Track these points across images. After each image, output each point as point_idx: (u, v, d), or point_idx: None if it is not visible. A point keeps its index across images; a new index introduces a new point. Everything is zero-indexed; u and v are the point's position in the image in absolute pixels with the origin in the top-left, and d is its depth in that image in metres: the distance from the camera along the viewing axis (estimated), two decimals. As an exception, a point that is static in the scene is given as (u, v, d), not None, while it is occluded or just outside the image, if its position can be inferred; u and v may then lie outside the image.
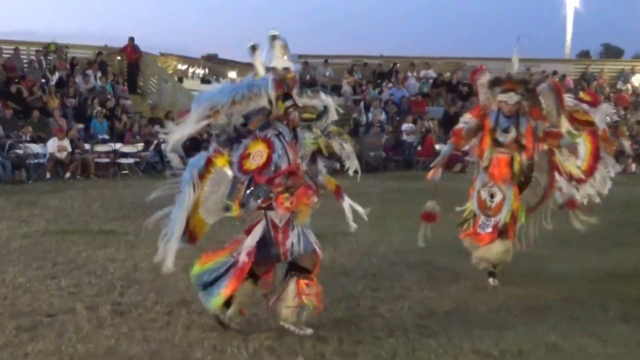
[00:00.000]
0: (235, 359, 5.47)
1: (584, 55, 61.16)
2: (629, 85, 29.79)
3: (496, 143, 7.72)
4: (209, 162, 6.01)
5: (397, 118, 24.90)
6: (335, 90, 26.42)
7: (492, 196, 7.82)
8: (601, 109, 8.64)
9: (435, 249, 8.77)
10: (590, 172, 8.20)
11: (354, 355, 5.55)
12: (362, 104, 25.26)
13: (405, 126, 23.59)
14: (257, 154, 5.71)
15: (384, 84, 27.20)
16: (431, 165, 8.26)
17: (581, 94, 10.12)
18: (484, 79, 7.85)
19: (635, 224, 11.83)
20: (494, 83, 7.88)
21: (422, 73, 27.67)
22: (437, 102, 26.25)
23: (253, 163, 5.70)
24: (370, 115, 24.19)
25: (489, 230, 7.71)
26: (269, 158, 5.67)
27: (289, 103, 5.80)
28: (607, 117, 8.91)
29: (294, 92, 5.94)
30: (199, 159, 6.11)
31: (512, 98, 7.69)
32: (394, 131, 23.91)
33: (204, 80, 32.72)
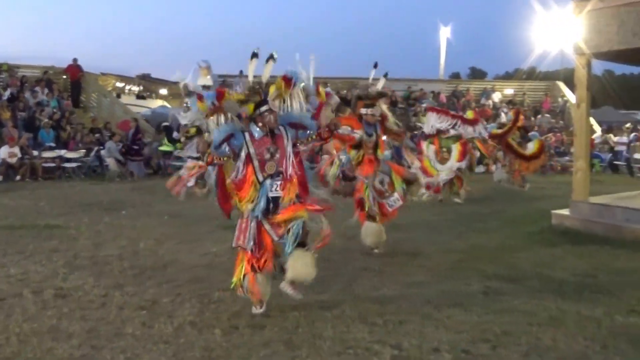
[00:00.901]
0: (162, 333, 5.38)
1: (455, 76, 62.48)
2: (490, 101, 30.57)
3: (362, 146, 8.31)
4: None
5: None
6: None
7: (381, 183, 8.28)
8: (478, 126, 9.23)
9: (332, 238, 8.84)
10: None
11: (263, 327, 5.52)
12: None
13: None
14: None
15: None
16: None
17: (469, 113, 10.56)
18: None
19: (492, 214, 12.13)
20: (359, 99, 8.32)
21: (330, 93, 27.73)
22: (335, 116, 26.45)
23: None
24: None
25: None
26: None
27: (264, 108, 5.73)
28: (481, 132, 9.47)
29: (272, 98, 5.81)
30: None
31: (374, 111, 8.25)
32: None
33: (139, 96, 32.03)
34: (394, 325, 5.59)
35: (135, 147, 19.80)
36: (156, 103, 31.60)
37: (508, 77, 51.56)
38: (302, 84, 5.89)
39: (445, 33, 38.95)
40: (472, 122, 13.11)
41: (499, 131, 14.84)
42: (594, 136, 24.43)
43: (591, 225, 10.07)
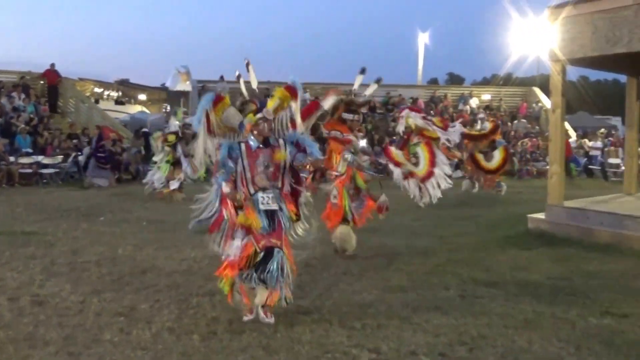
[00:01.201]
0: (140, 339, 5.34)
1: (433, 82, 62.95)
2: (467, 107, 30.75)
3: None
4: None
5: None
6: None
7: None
8: (447, 132, 9.28)
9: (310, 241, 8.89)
10: (429, 175, 8.71)
11: (241, 332, 5.51)
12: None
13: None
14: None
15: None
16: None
17: (435, 120, 10.59)
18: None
19: (470, 218, 12.22)
20: (346, 104, 8.49)
21: (304, 96, 27.78)
22: (314, 120, 26.48)
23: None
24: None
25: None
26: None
27: (258, 116, 5.65)
28: (451, 138, 9.55)
29: (269, 107, 5.73)
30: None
31: (358, 117, 8.48)
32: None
33: (118, 102, 31.92)
34: (372, 329, 5.61)
35: (100, 154, 18.93)
36: (135, 108, 31.54)
37: (485, 82, 52.02)
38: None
39: (423, 39, 39.22)
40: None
41: (475, 132, 14.94)
42: (569, 141, 24.69)
43: (566, 229, 10.18)
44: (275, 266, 5.55)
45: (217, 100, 5.79)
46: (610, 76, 59.26)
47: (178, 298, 6.54)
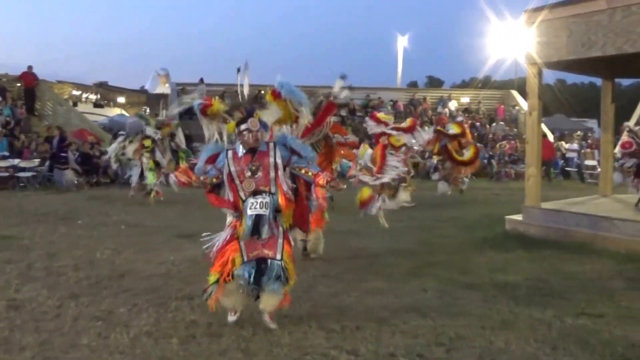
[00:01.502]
0: (118, 343, 5.30)
1: (412, 84, 63.16)
2: (446, 109, 30.94)
3: None
4: None
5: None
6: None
7: None
8: (415, 134, 9.46)
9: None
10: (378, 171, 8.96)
11: (220, 335, 5.49)
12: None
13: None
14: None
15: (251, 107, 27.22)
16: None
17: (407, 121, 10.68)
18: None
19: (449, 220, 12.30)
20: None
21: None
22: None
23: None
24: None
25: None
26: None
27: (243, 127, 5.54)
28: (418, 140, 9.74)
29: (256, 117, 5.66)
30: None
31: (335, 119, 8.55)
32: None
33: (96, 105, 31.74)
34: (350, 331, 5.61)
35: (63, 154, 18.98)
36: (114, 111, 31.33)
37: (464, 85, 52.34)
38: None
39: (402, 42, 39.46)
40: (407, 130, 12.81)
41: (445, 131, 14.83)
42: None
43: (543, 230, 10.28)
44: (274, 275, 5.55)
45: (205, 108, 5.90)
46: (586, 79, 59.71)
47: (156, 302, 6.49)
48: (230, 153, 5.66)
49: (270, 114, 6.07)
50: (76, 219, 12.11)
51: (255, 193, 5.56)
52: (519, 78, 32.88)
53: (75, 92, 30.61)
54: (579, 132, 28.47)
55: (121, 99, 33.15)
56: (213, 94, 28.36)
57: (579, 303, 6.49)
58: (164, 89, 26.32)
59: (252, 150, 5.60)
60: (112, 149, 15.28)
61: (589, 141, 26.80)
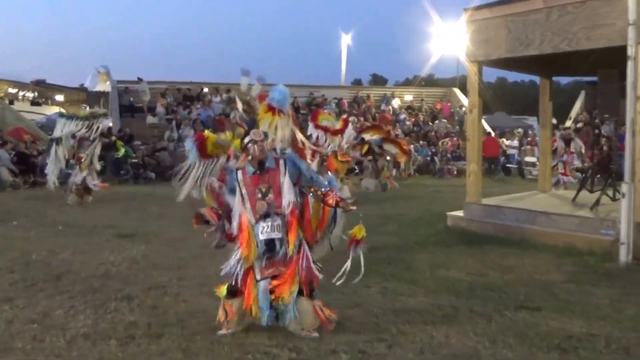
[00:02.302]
0: (54, 347, 5.19)
1: (357, 82, 63.52)
2: (390, 107, 31.19)
3: None
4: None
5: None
6: (151, 111, 26.25)
7: None
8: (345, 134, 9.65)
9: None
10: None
11: (160, 336, 5.43)
12: (174, 122, 24.98)
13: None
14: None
15: (192, 105, 27.12)
16: None
17: (337, 125, 10.78)
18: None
19: (391, 217, 12.35)
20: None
21: (225, 96, 27.67)
22: (238, 121, 26.43)
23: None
24: (180, 131, 23.99)
25: None
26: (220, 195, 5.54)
27: (246, 140, 5.31)
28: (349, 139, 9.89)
29: (261, 127, 5.47)
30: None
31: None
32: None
33: (34, 103, 31.06)
34: (294, 328, 5.63)
35: (30, 155, 18.92)
36: (52, 110, 30.72)
37: (407, 83, 52.83)
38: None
39: (346, 40, 39.62)
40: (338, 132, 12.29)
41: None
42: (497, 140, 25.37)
43: (484, 226, 10.46)
44: (292, 314, 5.39)
45: (201, 143, 5.77)
46: (526, 77, 61.14)
47: (94, 303, 6.39)
48: (239, 174, 5.39)
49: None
50: (12, 220, 11.79)
51: (266, 216, 5.32)
52: (462, 76, 33.40)
53: (12, 90, 29.97)
54: (519, 130, 29.00)
55: (60, 97, 32.52)
56: (156, 91, 28.14)
57: (518, 297, 6.64)
58: (104, 86, 25.93)
59: (260, 167, 5.33)
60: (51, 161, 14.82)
61: (529, 138, 27.35)
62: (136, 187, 18.26)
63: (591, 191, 11.15)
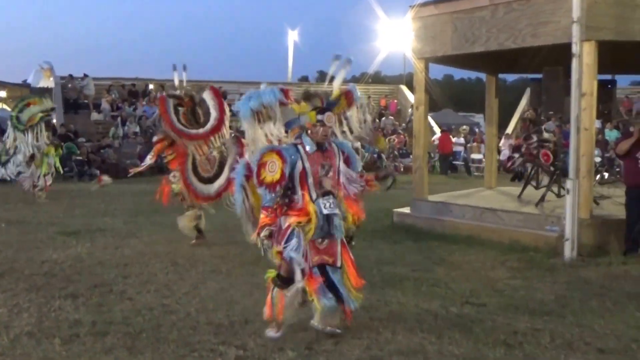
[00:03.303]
0: (-5, 345, 5.12)
1: (303, 79, 63.56)
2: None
3: None
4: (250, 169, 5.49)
5: (151, 131, 24.52)
6: (96, 107, 25.93)
7: None
8: None
9: (177, 242, 8.90)
10: None
11: (105, 334, 5.40)
12: (119, 119, 24.69)
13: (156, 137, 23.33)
14: (271, 164, 5.13)
15: (137, 102, 26.83)
16: None
17: None
18: None
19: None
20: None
21: (170, 93, 27.38)
22: (184, 117, 26.20)
23: (269, 175, 5.12)
24: (126, 128, 23.69)
25: None
26: (282, 172, 5.12)
27: (319, 117, 5.22)
28: None
29: (336, 112, 5.48)
30: (241, 165, 5.76)
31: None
32: (147, 142, 23.60)
33: (-28, 99, 30.21)
34: (240, 325, 5.63)
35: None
36: (-6, 106, 29.91)
37: (355, 80, 53.00)
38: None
39: (293, 36, 39.58)
40: None
41: None
42: (433, 137, 25.63)
43: (430, 223, 10.58)
44: (338, 283, 5.29)
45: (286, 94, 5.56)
46: (473, 75, 62.01)
47: (38, 301, 6.33)
48: (301, 148, 5.27)
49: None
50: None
51: (325, 194, 5.27)
52: (408, 73, 33.70)
53: (-50, 86, 29.03)
54: (464, 127, 29.36)
55: (2, 93, 31.65)
56: (100, 87, 27.77)
57: (463, 292, 6.74)
58: (47, 82, 25.46)
59: (319, 147, 5.29)
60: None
61: (476, 135, 27.74)
62: (81, 184, 18.01)
63: (537, 187, 11.38)
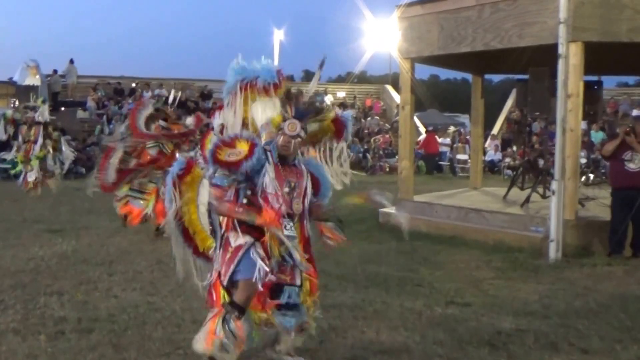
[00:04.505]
0: (-19, 342, 5.12)
1: (289, 78, 63.31)
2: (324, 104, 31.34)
3: None
4: (189, 166, 4.66)
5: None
6: (81, 105, 25.97)
7: None
8: None
9: (162, 240, 8.86)
10: None
11: (91, 331, 5.40)
12: (104, 117, 24.67)
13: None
14: (236, 152, 4.32)
15: (123, 100, 26.82)
16: None
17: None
18: None
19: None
20: None
21: (156, 91, 27.34)
22: (168, 115, 26.22)
23: (227, 158, 4.31)
24: (111, 127, 23.66)
25: None
26: (240, 162, 4.29)
27: (282, 124, 4.44)
28: None
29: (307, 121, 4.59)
30: (178, 164, 4.69)
31: None
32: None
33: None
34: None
35: None
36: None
37: (340, 80, 53.08)
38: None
39: (279, 35, 39.51)
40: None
41: None
42: (419, 138, 25.73)
43: (415, 223, 10.56)
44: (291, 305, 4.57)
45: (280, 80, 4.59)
46: (459, 75, 62.22)
47: (24, 298, 6.33)
48: (270, 155, 4.46)
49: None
50: None
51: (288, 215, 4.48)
52: (395, 73, 33.76)
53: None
54: (452, 128, 29.47)
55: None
56: (86, 85, 27.72)
57: (448, 292, 6.78)
58: (33, 80, 25.30)
59: (282, 161, 4.49)
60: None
61: (461, 136, 27.85)
62: (66, 181, 17.92)
63: (522, 188, 11.44)
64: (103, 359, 4.86)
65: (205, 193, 4.62)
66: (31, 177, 13.84)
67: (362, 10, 33.02)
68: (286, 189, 4.44)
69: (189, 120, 10.00)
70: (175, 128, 9.50)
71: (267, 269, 4.33)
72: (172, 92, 9.95)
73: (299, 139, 4.47)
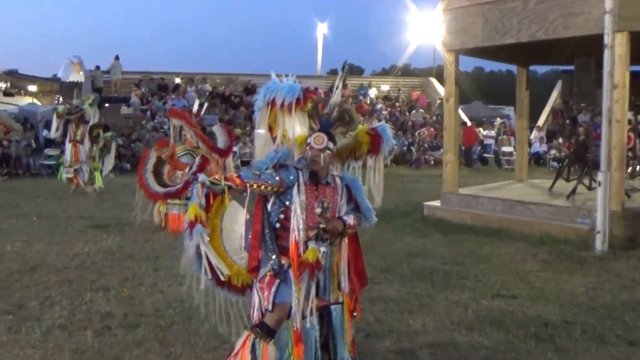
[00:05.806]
0: (29, 338, 5.19)
1: (333, 72, 63.35)
2: (367, 97, 31.21)
3: None
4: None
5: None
6: (125, 101, 26.16)
7: None
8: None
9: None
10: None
11: (137, 326, 5.46)
12: (148, 113, 24.84)
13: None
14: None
15: (167, 96, 27.01)
16: None
17: None
18: None
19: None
20: None
21: (200, 87, 27.55)
22: (212, 111, 26.26)
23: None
24: (155, 122, 23.88)
25: None
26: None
27: (309, 139, 4.08)
28: None
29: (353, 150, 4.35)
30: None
31: None
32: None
33: (6, 93, 30.59)
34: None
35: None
36: (25, 100, 30.31)
37: (384, 73, 52.84)
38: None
39: (322, 29, 39.51)
40: None
41: None
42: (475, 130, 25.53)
43: (460, 215, 10.53)
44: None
45: (306, 96, 4.24)
46: (503, 67, 61.39)
47: (70, 294, 6.39)
48: (300, 174, 4.06)
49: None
50: (-15, 212, 11.71)
51: (318, 236, 4.04)
52: (438, 66, 33.49)
53: (-17, 81, 29.50)
54: (499, 120, 29.12)
55: (32, 88, 32.03)
56: (129, 81, 28.04)
57: (493, 285, 6.72)
58: (77, 76, 25.71)
59: (313, 178, 4.08)
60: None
61: (506, 128, 27.51)
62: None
63: (568, 180, 11.28)
64: (149, 354, 4.92)
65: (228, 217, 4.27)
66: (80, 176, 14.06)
67: (406, 2, 32.73)
68: (318, 210, 4.06)
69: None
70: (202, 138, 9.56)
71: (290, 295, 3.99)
72: (197, 101, 9.98)
73: (328, 152, 4.06)
